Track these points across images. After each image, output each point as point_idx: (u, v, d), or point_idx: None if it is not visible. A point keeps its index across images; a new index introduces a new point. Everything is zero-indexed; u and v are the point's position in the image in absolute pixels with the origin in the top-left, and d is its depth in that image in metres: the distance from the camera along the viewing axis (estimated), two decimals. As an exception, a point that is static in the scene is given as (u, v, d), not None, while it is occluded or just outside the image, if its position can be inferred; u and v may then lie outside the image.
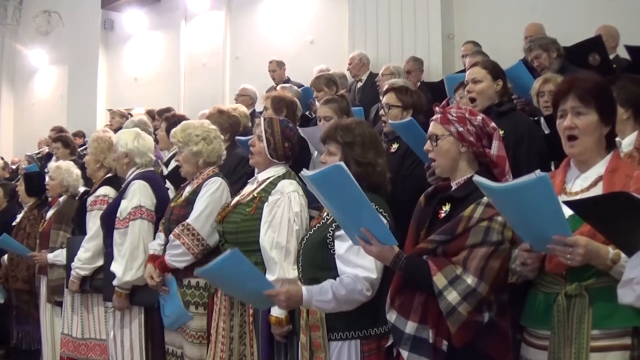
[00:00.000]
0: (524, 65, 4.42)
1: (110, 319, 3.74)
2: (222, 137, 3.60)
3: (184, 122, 3.59)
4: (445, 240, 2.12)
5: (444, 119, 2.25)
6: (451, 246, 2.11)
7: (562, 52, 4.43)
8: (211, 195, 3.29)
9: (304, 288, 2.36)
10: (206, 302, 3.27)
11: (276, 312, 2.81)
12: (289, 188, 2.94)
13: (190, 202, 3.34)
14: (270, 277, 2.80)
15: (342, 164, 2.08)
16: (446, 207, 2.21)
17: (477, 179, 1.90)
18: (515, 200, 1.82)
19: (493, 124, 2.26)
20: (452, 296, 2.03)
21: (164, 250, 3.41)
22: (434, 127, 2.28)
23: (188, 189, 3.45)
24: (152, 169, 3.90)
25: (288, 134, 3.09)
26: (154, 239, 3.58)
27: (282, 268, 2.76)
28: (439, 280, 2.05)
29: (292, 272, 2.68)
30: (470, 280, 2.03)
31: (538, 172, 1.71)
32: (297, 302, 2.36)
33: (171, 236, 3.29)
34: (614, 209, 1.64)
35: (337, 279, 2.38)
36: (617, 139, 2.36)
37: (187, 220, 3.28)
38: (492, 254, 2.05)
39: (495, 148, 2.21)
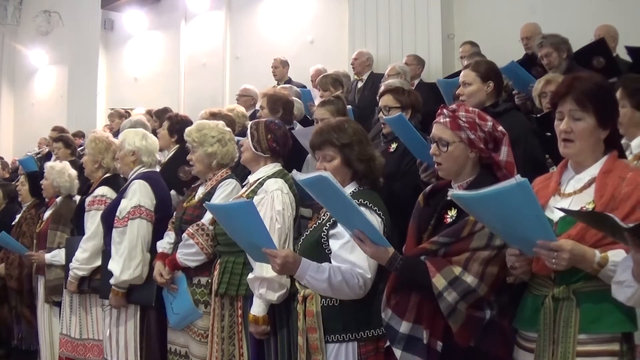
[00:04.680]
0: (518, 64, 4.42)
1: (107, 317, 3.74)
2: (235, 139, 3.61)
3: (199, 122, 3.60)
4: (449, 242, 2.13)
5: (454, 125, 2.19)
6: (454, 248, 2.11)
7: (572, 53, 4.43)
8: (226, 197, 3.32)
9: (303, 260, 2.36)
10: None
11: (255, 310, 2.85)
12: (273, 187, 2.98)
13: (204, 202, 3.34)
14: (250, 275, 2.85)
15: (328, 174, 2.07)
16: (452, 212, 2.20)
17: (453, 192, 1.90)
18: (496, 207, 1.79)
19: (501, 129, 2.22)
20: (452, 296, 2.03)
21: (173, 249, 3.43)
22: (442, 131, 2.22)
23: (201, 190, 3.47)
24: (154, 169, 3.90)
25: (271, 127, 3.17)
26: (153, 238, 3.59)
27: (260, 266, 2.77)
28: (439, 281, 2.06)
29: (271, 272, 2.68)
30: (470, 280, 2.04)
31: (518, 177, 1.70)
32: (291, 270, 2.37)
33: (184, 235, 3.31)
34: (602, 224, 1.64)
35: (336, 265, 2.39)
36: (624, 140, 2.35)
37: (202, 220, 3.30)
38: (493, 257, 2.06)
39: (505, 154, 2.19)
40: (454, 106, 2.28)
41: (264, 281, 2.78)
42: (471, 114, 2.21)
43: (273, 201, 2.91)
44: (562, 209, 1.81)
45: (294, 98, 5.20)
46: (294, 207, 3.01)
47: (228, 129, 3.56)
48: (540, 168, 2.99)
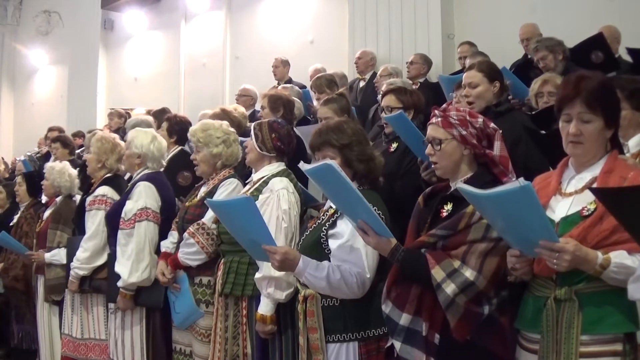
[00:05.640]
0: (510, 72, 4.41)
1: (113, 319, 3.75)
2: (239, 139, 3.61)
3: (203, 122, 3.60)
4: (446, 235, 2.15)
5: (445, 123, 2.25)
6: (451, 241, 2.13)
7: (568, 54, 4.43)
8: (227, 196, 3.30)
9: (302, 257, 2.39)
10: None
11: (263, 309, 2.85)
12: (278, 186, 2.99)
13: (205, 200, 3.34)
14: (257, 275, 2.85)
15: (334, 162, 2.10)
16: (448, 207, 2.23)
17: (461, 186, 1.92)
18: (499, 207, 1.83)
19: (493, 125, 2.28)
20: (451, 288, 2.05)
21: (177, 248, 3.44)
22: (435, 130, 2.27)
23: (203, 189, 3.48)
24: (159, 170, 3.88)
25: (275, 127, 3.17)
26: (160, 240, 3.60)
27: (268, 266, 2.76)
28: (437, 273, 2.08)
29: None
30: (468, 273, 2.05)
31: (521, 180, 1.71)
32: (291, 267, 2.39)
33: (185, 234, 3.32)
34: (636, 202, 1.59)
35: (335, 264, 2.40)
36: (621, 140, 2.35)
37: (203, 220, 3.31)
38: (491, 250, 2.07)
39: (498, 149, 2.24)
40: (444, 106, 2.34)
41: (272, 280, 2.79)
42: (462, 112, 2.28)
43: (279, 200, 2.92)
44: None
45: (294, 98, 5.20)
46: (299, 206, 3.02)
47: (232, 129, 3.57)
48: (541, 164, 2.98)
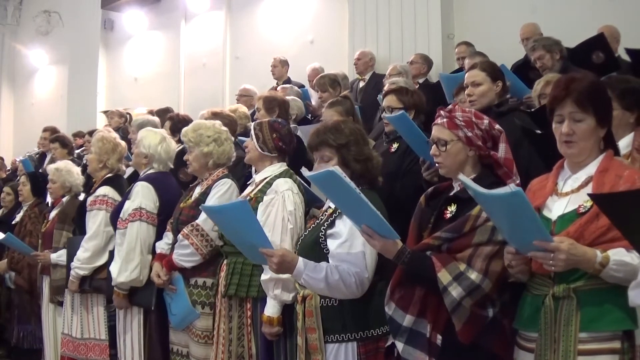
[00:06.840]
0: (510, 71, 4.41)
1: (117, 318, 3.77)
2: (232, 138, 3.60)
3: (195, 122, 3.61)
4: (451, 237, 2.15)
5: (451, 124, 2.25)
6: (456, 243, 2.14)
7: (565, 53, 4.42)
8: (220, 197, 3.31)
9: (300, 259, 2.38)
10: (212, 302, 3.29)
11: (269, 311, 2.84)
12: (283, 187, 2.97)
13: (199, 203, 3.33)
14: (264, 276, 2.84)
15: (336, 168, 2.09)
16: (452, 208, 2.24)
17: (462, 178, 1.93)
18: (494, 207, 1.85)
19: (498, 127, 2.29)
20: (457, 292, 2.05)
21: (172, 250, 3.43)
22: (440, 131, 2.28)
23: (198, 190, 3.48)
24: (165, 170, 3.88)
25: (276, 127, 3.17)
26: (155, 240, 3.60)
27: None
28: (444, 276, 2.08)
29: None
30: (474, 276, 2.06)
31: (512, 186, 1.74)
32: (289, 269, 2.38)
33: (180, 236, 3.32)
34: (635, 205, 1.59)
35: (333, 265, 2.40)
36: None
37: (197, 221, 3.31)
38: (496, 253, 2.08)
39: (503, 151, 2.25)
40: (450, 107, 2.34)
41: (279, 282, 2.78)
42: (467, 113, 2.28)
43: (284, 201, 2.91)
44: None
45: (295, 98, 5.21)
46: (304, 207, 3.01)
47: (225, 128, 3.56)
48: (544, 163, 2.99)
